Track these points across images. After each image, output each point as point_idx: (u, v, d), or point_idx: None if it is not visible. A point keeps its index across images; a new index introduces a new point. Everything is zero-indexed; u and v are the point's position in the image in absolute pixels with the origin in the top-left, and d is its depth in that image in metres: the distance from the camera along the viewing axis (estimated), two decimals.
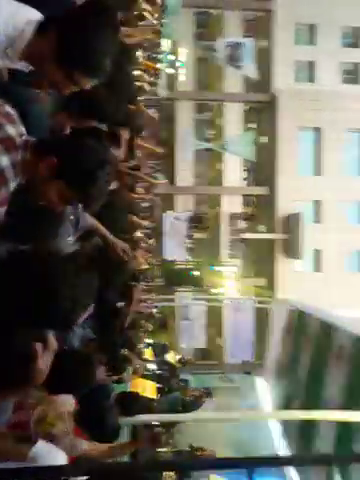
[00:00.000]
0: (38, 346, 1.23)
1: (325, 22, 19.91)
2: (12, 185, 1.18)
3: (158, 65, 14.08)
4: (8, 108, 1.25)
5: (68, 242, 2.00)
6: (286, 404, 9.29)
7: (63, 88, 1.37)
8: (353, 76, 20.78)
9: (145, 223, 11.00)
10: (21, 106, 1.34)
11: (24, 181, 1.24)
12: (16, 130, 1.22)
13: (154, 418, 4.08)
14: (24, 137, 1.24)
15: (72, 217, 2.04)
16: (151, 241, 15.58)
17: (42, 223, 1.59)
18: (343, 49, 20.45)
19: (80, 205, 1.82)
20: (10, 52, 1.27)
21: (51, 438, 2.08)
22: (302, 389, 8.86)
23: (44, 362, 1.28)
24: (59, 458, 1.73)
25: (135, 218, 7.97)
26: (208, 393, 8.66)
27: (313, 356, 9.05)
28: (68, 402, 2.26)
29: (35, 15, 1.31)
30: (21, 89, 1.49)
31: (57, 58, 1.28)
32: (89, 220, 2.30)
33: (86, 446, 2.40)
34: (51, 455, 1.72)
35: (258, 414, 4.84)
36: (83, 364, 2.08)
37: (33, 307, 1.11)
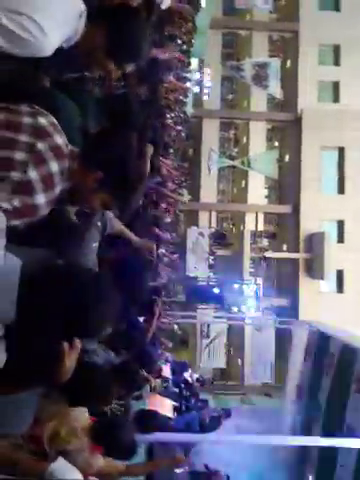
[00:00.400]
0: (65, 344, 1.23)
1: (348, 43, 19.96)
2: (58, 189, 1.27)
3: (186, 84, 14.42)
4: (52, 118, 1.30)
5: (93, 248, 2.02)
6: (306, 429, 9.16)
7: (111, 74, 1.57)
8: None
9: (167, 236, 11.17)
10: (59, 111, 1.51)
11: (68, 188, 1.32)
12: (63, 140, 1.29)
13: (171, 437, 4.14)
14: (69, 147, 1.31)
15: (99, 223, 2.10)
16: (174, 256, 15.75)
17: (70, 230, 1.68)
18: None
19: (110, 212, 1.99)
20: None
21: (65, 454, 2.09)
22: (322, 414, 8.72)
23: (70, 361, 1.28)
24: (75, 477, 1.77)
25: (158, 230, 8.16)
26: (227, 414, 8.53)
27: (334, 380, 8.92)
28: (83, 417, 2.28)
29: (81, 5, 1.40)
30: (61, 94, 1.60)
31: (108, 50, 1.46)
32: (116, 225, 2.37)
33: (102, 463, 2.37)
34: (68, 474, 1.75)
35: (276, 439, 4.81)
36: (103, 378, 2.08)
37: (63, 321, 1.13)
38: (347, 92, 19.99)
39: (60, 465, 1.79)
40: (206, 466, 7.89)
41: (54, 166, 1.23)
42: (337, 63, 20.50)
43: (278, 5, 21.77)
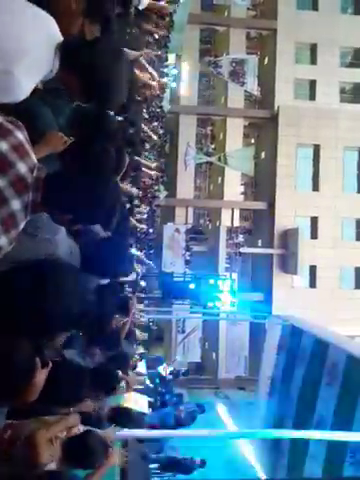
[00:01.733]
0: (38, 361, 1.21)
1: (325, 42, 20.29)
2: (21, 225, 1.23)
3: (163, 79, 14.33)
4: (19, 134, 1.20)
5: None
6: (278, 422, 9.36)
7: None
8: (352, 95, 21.13)
9: (142, 226, 11.12)
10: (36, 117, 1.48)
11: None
12: (27, 165, 1.20)
13: (145, 434, 4.16)
14: (36, 172, 1.22)
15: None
16: (150, 252, 15.68)
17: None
18: (342, 69, 20.82)
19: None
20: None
21: (34, 458, 2.01)
22: (294, 407, 8.93)
23: (41, 379, 1.26)
24: None
25: (135, 221, 8.12)
26: (201, 410, 8.62)
27: (306, 373, 9.14)
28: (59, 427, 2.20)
29: (58, 37, 1.41)
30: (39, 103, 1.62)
31: (84, 93, 1.48)
32: None
33: None
34: None
35: (249, 432, 4.88)
36: (75, 375, 2.03)
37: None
38: (323, 91, 20.34)
39: None
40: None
41: (16, 204, 1.17)
42: (314, 62, 20.81)
43: (256, 2, 21.89)
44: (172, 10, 12.50)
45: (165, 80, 15.19)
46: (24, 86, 1.29)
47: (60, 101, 1.84)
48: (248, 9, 21.69)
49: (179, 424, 7.45)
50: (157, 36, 10.12)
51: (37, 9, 1.37)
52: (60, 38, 1.41)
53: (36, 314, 1.13)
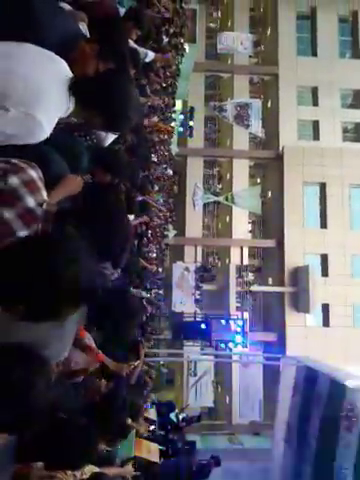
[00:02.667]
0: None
1: (325, 85, 21.05)
2: None
3: (171, 124, 14.88)
4: (32, 172, 1.25)
5: None
6: (297, 470, 8.95)
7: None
8: (354, 134, 21.61)
9: (152, 266, 11.15)
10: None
11: None
12: (36, 200, 1.22)
13: None
14: (45, 206, 1.25)
15: None
16: (160, 292, 15.63)
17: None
18: (343, 110, 21.45)
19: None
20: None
21: None
22: (313, 455, 8.56)
23: None
24: None
25: (144, 262, 8.18)
26: (217, 462, 8.19)
27: (323, 418, 8.83)
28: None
29: (68, 76, 1.50)
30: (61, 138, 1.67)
31: (103, 125, 1.60)
32: None
33: None
34: None
35: None
36: (83, 435, 1.90)
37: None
38: (326, 131, 20.87)
39: None
40: None
41: (23, 234, 1.18)
42: (315, 104, 21.49)
43: (258, 50, 22.95)
44: (177, 61, 13.21)
45: (173, 124, 15.81)
46: (45, 126, 1.37)
47: (75, 145, 1.92)
48: (250, 57, 22.73)
49: (192, 476, 7.11)
50: (164, 84, 10.62)
51: (47, 52, 1.46)
52: (70, 74, 1.49)
53: (44, 278, 1.03)
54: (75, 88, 1.47)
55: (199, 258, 20.63)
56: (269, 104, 21.91)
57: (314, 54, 21.87)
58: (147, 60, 5.10)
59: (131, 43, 3.67)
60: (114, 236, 1.55)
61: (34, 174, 1.27)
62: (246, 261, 20.25)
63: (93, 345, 2.51)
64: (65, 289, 1.05)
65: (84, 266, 1.09)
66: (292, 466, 9.48)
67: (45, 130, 1.38)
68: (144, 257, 8.97)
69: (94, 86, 1.52)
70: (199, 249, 20.86)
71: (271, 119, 21.35)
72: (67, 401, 2.09)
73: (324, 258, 19.14)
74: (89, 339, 2.48)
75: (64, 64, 1.51)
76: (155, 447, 6.93)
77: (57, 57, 1.49)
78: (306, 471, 8.64)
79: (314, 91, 21.52)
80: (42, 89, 1.38)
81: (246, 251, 20.45)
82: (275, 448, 10.66)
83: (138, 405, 4.21)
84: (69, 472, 2.09)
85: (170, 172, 16.31)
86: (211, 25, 23.67)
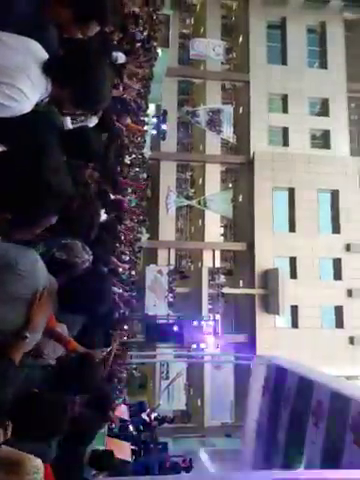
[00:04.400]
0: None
1: (295, 93, 21.70)
2: None
3: (144, 128, 14.93)
4: None
5: None
6: (267, 467, 9.11)
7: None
8: (321, 141, 22.35)
9: (125, 267, 11.15)
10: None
11: None
12: None
13: None
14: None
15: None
16: (133, 294, 15.58)
17: None
18: (312, 117, 22.17)
19: None
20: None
21: None
22: (282, 452, 8.74)
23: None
24: None
25: (116, 261, 8.19)
26: (188, 465, 8.22)
27: (292, 414, 9.03)
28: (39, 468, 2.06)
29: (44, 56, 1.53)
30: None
31: (75, 103, 1.61)
32: None
33: None
34: None
35: (238, 475, 4.78)
36: (55, 408, 1.93)
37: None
38: (295, 137, 21.47)
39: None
40: None
41: None
42: (285, 111, 22.09)
43: (230, 57, 23.40)
44: (150, 64, 13.32)
45: (146, 128, 15.89)
46: (30, 98, 1.43)
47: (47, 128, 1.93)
48: (222, 63, 23.14)
49: (164, 473, 7.14)
50: (137, 87, 10.71)
51: (23, 37, 1.51)
52: (45, 56, 1.52)
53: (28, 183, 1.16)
54: (48, 66, 1.51)
55: (172, 261, 20.73)
56: (241, 110, 22.36)
57: (284, 63, 22.51)
58: (119, 61, 5.19)
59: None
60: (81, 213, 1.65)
61: None
62: (218, 264, 20.50)
63: (64, 333, 2.55)
64: (51, 193, 1.18)
65: (65, 176, 1.24)
66: (262, 463, 9.64)
67: (30, 100, 1.44)
68: (117, 258, 8.98)
69: (66, 62, 1.56)
70: (172, 252, 20.97)
71: (242, 125, 21.79)
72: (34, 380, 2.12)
73: (293, 261, 19.62)
74: (61, 328, 2.52)
75: (39, 46, 1.54)
76: (127, 445, 6.94)
77: (31, 39, 1.53)
78: (276, 466, 8.80)
79: (284, 98, 22.13)
80: (25, 64, 1.44)
81: (218, 254, 20.72)
82: (246, 448, 10.81)
83: (109, 395, 4.21)
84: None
85: (144, 175, 16.36)
86: (184, 31, 23.98)
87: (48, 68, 1.51)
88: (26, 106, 1.44)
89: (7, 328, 1.58)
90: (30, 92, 1.43)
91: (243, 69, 22.27)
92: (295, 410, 8.99)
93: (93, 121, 2.72)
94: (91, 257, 3.03)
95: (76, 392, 2.66)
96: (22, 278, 1.53)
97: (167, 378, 17.66)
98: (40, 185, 1.18)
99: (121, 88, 6.37)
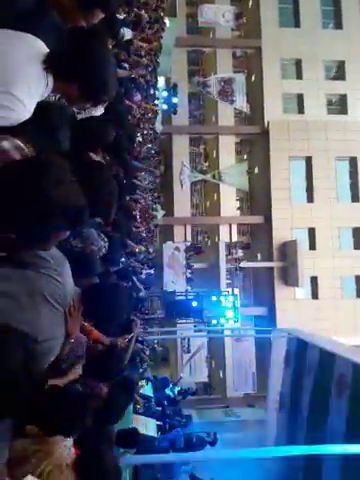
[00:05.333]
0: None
1: (309, 57, 20.80)
2: None
3: (154, 101, 14.63)
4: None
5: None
6: (290, 438, 9.25)
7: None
8: (339, 107, 21.53)
9: (141, 248, 11.20)
10: None
11: None
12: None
13: (156, 459, 4.14)
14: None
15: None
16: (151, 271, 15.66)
17: None
18: (327, 82, 21.29)
19: None
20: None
21: None
22: (305, 422, 8.84)
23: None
24: None
25: (131, 243, 8.21)
26: (213, 440, 8.40)
27: (314, 386, 9.08)
28: (67, 453, 2.16)
29: (41, 48, 1.48)
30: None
31: (83, 96, 1.56)
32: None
33: None
34: None
35: (263, 451, 4.84)
36: (78, 402, 1.95)
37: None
38: (311, 104, 20.74)
39: None
40: (192, 476, 7.85)
41: None
42: (299, 77, 21.27)
43: (240, 23, 22.48)
44: (158, 35, 12.89)
45: (156, 102, 15.57)
46: (27, 105, 1.37)
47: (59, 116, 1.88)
48: (232, 30, 22.28)
49: (189, 448, 7.32)
50: (146, 61, 10.41)
51: (17, 32, 1.45)
52: (46, 50, 1.47)
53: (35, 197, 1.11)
54: (50, 62, 1.44)
55: (189, 237, 20.68)
56: (253, 78, 21.64)
57: (297, 25, 21.52)
58: (126, 37, 5.00)
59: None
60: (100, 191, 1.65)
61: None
62: (235, 238, 20.36)
63: (85, 323, 2.55)
64: (54, 208, 1.11)
65: (70, 188, 1.17)
66: (285, 433, 9.79)
67: (27, 108, 1.38)
68: (135, 238, 8.96)
69: (69, 56, 1.50)
70: (188, 228, 20.89)
71: (255, 93, 21.13)
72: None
73: (311, 232, 19.34)
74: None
75: (38, 41, 1.48)
76: (152, 422, 7.08)
77: (29, 35, 1.46)
78: (299, 437, 8.92)
79: (298, 63, 21.27)
80: (19, 68, 1.37)
81: (235, 228, 20.55)
82: (269, 417, 10.98)
83: (134, 384, 4.29)
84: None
85: (155, 151, 16.15)
86: None
87: (50, 64, 1.44)
88: (24, 114, 1.37)
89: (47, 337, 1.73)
90: (27, 99, 1.37)
91: (254, 35, 21.40)
92: (317, 382, 9.04)
93: (99, 110, 2.63)
94: (107, 244, 3.00)
95: (103, 380, 2.74)
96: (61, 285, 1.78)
97: (188, 351, 17.94)
98: (41, 201, 1.11)
99: (127, 66, 6.16)
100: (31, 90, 1.39)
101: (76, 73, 1.48)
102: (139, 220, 11.02)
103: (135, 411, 6.26)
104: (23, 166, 1.17)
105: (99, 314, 2.17)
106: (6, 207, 1.10)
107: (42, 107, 1.47)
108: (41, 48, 1.48)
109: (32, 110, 1.41)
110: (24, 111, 1.37)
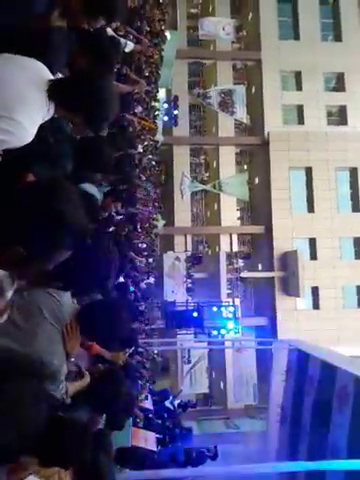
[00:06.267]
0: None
1: (308, 69, 21.00)
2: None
3: (155, 113, 14.73)
4: None
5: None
6: (291, 452, 9.15)
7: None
8: (338, 118, 21.68)
9: (142, 260, 11.19)
10: None
11: None
12: None
13: (156, 475, 4.09)
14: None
15: None
16: (151, 281, 15.64)
17: None
18: (327, 93, 21.47)
19: None
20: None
21: None
22: (307, 436, 8.75)
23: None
24: None
25: (133, 254, 8.19)
26: (214, 454, 8.30)
27: (316, 399, 9.00)
28: None
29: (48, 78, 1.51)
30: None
31: (85, 121, 1.59)
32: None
33: None
34: None
35: (264, 466, 4.79)
36: (78, 436, 1.88)
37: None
38: (310, 115, 20.89)
39: None
40: None
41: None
42: (299, 88, 21.45)
43: (240, 35, 22.74)
44: (159, 48, 13.01)
45: (156, 113, 15.68)
46: (28, 129, 1.40)
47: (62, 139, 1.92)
48: (232, 42, 22.52)
49: (189, 462, 7.24)
50: (147, 73, 10.49)
51: (20, 57, 1.48)
52: (49, 77, 1.51)
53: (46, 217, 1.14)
54: (52, 91, 1.48)
55: (189, 247, 20.68)
56: (253, 90, 21.82)
57: (296, 38, 21.76)
58: (127, 50, 5.06)
59: (110, 32, 3.62)
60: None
61: None
62: (236, 248, 20.36)
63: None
64: (63, 225, 1.15)
65: (78, 208, 1.22)
66: (287, 447, 9.68)
67: (29, 132, 1.41)
68: (135, 249, 8.96)
69: (72, 88, 1.53)
70: (189, 238, 20.90)
71: (256, 105, 21.29)
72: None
73: (312, 242, 19.34)
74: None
75: (40, 66, 1.51)
76: (152, 435, 7.02)
77: (32, 60, 1.50)
78: (301, 450, 8.83)
79: (297, 75, 21.47)
80: (21, 93, 1.40)
81: (235, 238, 20.55)
82: (270, 430, 10.88)
83: (132, 398, 4.24)
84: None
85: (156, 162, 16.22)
86: (192, 11, 23.36)
87: (52, 93, 1.48)
88: (26, 138, 1.40)
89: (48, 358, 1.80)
90: (29, 123, 1.40)
91: (254, 47, 21.62)
92: (319, 395, 8.96)
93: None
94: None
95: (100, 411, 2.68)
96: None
97: (189, 362, 17.84)
98: (51, 217, 1.14)
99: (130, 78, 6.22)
100: (33, 115, 1.42)
101: (79, 106, 1.52)
102: (139, 230, 11.03)
103: (135, 424, 6.20)
104: (37, 184, 1.21)
105: (99, 331, 2.17)
106: (15, 220, 1.13)
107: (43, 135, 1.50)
108: (45, 75, 1.51)
109: (34, 133, 1.43)
110: (26, 135, 1.39)
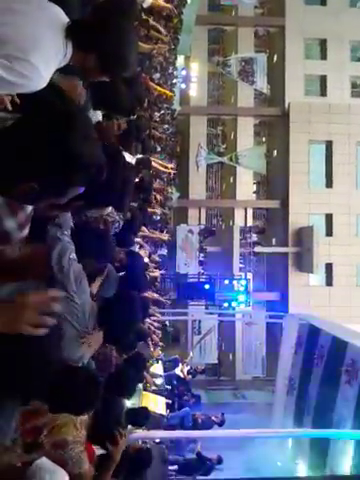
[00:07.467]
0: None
1: (334, 37, 20.08)
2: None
3: (173, 81, 14.37)
4: None
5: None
6: (297, 422, 9.29)
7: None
8: None
9: (157, 234, 11.18)
10: None
11: None
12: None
13: (164, 435, 4.17)
14: None
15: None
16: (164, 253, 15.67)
17: None
18: (353, 63, 20.58)
19: None
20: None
21: (62, 445, 2.09)
22: (313, 407, 8.85)
23: None
24: (59, 478, 1.69)
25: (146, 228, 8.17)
26: (221, 421, 8.51)
27: (324, 372, 9.06)
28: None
29: (64, 21, 1.47)
30: None
31: (101, 69, 1.55)
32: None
33: (87, 468, 2.32)
34: (52, 475, 1.67)
35: (270, 432, 4.84)
36: (88, 384, 1.95)
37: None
38: (334, 86, 20.13)
39: (43, 464, 1.69)
40: (198, 454, 7.98)
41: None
42: (323, 57, 20.60)
43: (263, 0, 21.79)
44: (179, 12, 12.56)
45: (174, 81, 15.28)
46: (43, 73, 1.36)
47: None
48: (255, 7, 21.61)
49: (197, 428, 7.41)
50: (165, 38, 10.16)
51: (40, 0, 1.44)
52: (66, 20, 1.47)
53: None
54: (70, 31, 1.44)
55: (203, 220, 20.56)
56: (275, 58, 21.04)
57: (323, 3, 20.73)
58: (144, 5, 4.88)
59: None
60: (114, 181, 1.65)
61: None
62: (250, 222, 20.17)
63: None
64: (80, 162, 1.11)
65: (95, 144, 1.18)
66: (293, 417, 9.83)
67: (43, 77, 1.37)
68: (149, 222, 8.91)
69: (90, 27, 1.51)
70: (203, 211, 20.76)
71: (277, 74, 20.58)
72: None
73: (329, 218, 19.02)
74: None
75: (58, 9, 1.48)
76: (161, 400, 7.16)
77: (52, 4, 1.47)
78: (306, 421, 8.96)
79: (322, 43, 20.57)
80: (39, 35, 1.36)
81: (250, 212, 20.33)
82: (277, 401, 11.04)
83: (144, 359, 4.31)
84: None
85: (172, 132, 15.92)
86: None
87: (70, 33, 1.44)
88: (40, 83, 1.35)
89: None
90: (44, 67, 1.35)
91: (278, 13, 20.70)
92: (328, 368, 9.02)
93: (99, 115, 2.67)
94: (122, 221, 2.98)
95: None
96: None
97: (199, 333, 18.06)
98: (68, 154, 1.09)
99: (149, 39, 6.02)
100: (49, 60, 1.39)
101: (95, 42, 1.49)
102: (154, 203, 10.95)
103: (145, 389, 6.33)
104: (53, 116, 1.13)
105: (116, 330, 2.26)
106: (29, 155, 1.08)
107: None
108: (62, 18, 1.48)
109: (48, 79, 1.39)
110: (40, 80, 1.35)
